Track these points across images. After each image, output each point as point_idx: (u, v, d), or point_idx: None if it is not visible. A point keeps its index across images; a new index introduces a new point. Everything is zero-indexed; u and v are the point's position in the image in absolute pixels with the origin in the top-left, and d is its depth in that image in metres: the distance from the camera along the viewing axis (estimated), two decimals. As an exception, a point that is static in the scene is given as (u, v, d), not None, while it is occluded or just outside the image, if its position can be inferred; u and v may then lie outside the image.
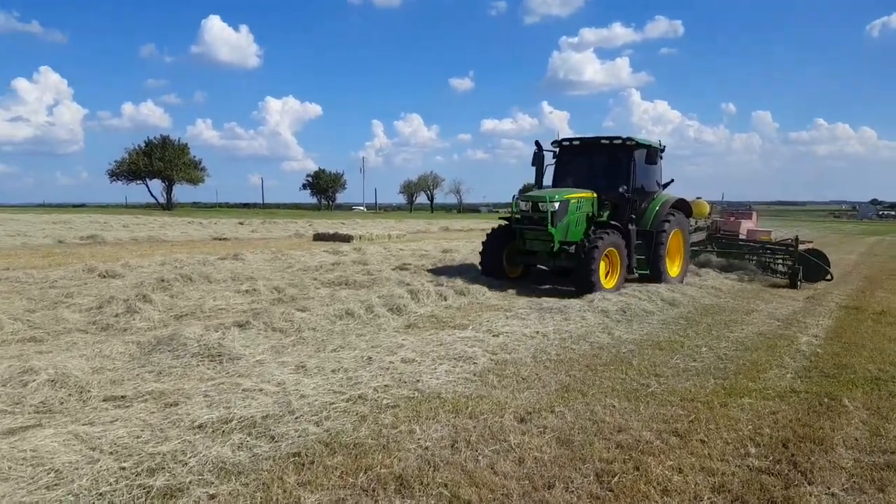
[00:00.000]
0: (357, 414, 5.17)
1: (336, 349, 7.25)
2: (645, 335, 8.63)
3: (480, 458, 4.42)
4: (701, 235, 18.08)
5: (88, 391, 5.53)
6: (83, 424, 4.70)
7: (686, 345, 8.11)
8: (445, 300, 10.55)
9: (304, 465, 4.23)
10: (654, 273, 12.88)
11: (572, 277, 11.79)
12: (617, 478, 4.16)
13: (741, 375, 6.74)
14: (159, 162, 79.73)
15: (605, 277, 11.79)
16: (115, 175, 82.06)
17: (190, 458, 4.17)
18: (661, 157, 13.97)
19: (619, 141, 12.72)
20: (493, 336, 8.03)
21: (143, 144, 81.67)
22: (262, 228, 34.69)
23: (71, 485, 3.76)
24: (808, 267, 14.57)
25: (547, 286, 12.86)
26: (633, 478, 4.17)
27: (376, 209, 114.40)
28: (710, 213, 20.95)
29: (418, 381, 6.05)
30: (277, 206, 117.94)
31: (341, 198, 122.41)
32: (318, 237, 27.49)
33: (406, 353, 6.94)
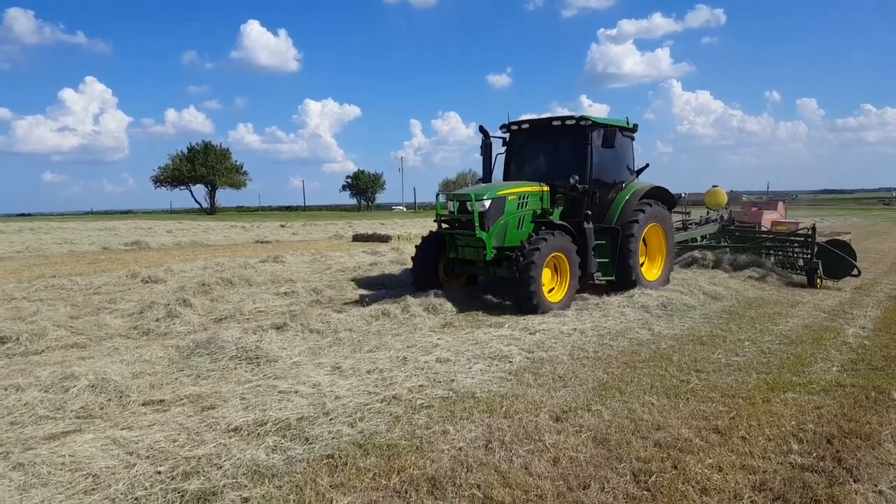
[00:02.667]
0: (391, 415, 5.16)
1: (372, 350, 7.27)
2: (686, 330, 8.44)
3: (514, 458, 4.37)
4: (713, 228, 16.34)
5: (128, 396, 5.65)
6: (121, 429, 4.79)
7: (728, 339, 7.91)
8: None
9: (337, 466, 4.24)
10: (621, 278, 10.86)
11: (509, 290, 9.77)
12: (654, 477, 4.06)
13: (785, 370, 6.54)
14: (202, 167, 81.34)
15: (552, 290, 9.87)
16: (159, 181, 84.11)
17: (225, 461, 4.22)
18: (633, 138, 11.95)
19: (573, 121, 10.65)
20: (530, 334, 7.94)
21: (185, 150, 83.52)
22: (303, 231, 35.10)
23: (107, 489, 3.83)
24: (830, 261, 12.66)
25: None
26: (670, 477, 4.07)
27: (415, 208, 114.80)
28: (728, 203, 18.96)
29: (453, 380, 6.02)
30: (319, 207, 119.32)
31: (381, 198, 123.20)
32: (358, 238, 27.72)
33: (441, 353, 6.92)
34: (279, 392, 5.59)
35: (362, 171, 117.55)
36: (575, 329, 8.20)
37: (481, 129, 11.62)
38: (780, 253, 14.23)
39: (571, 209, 10.70)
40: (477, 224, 9.63)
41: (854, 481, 4.03)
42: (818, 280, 12.32)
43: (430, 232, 11.17)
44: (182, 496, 3.78)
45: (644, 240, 11.42)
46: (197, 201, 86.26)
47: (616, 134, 10.66)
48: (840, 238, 14.15)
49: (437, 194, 10.83)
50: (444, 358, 6.75)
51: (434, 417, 5.11)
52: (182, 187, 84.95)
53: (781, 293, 11.53)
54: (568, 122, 10.70)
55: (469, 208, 9.74)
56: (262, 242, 27.31)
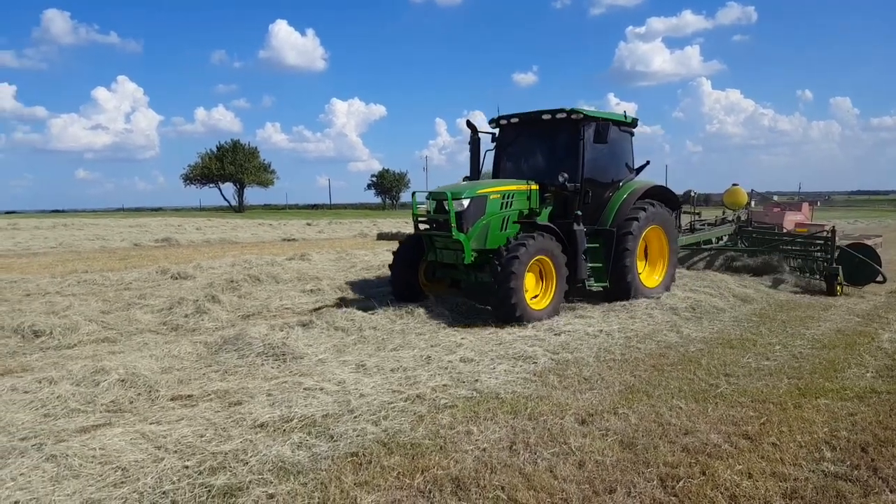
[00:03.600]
0: (415, 414, 5.16)
1: (396, 348, 7.28)
2: (715, 333, 8.32)
3: (539, 460, 4.33)
4: (728, 229, 15.40)
5: (157, 390, 5.73)
6: (150, 423, 4.86)
7: (759, 343, 7.77)
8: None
9: (361, 465, 4.24)
10: (617, 286, 10.02)
11: (490, 297, 8.84)
12: (682, 482, 4.00)
13: (817, 375, 6.41)
14: (231, 166, 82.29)
15: (536, 297, 9.08)
16: (189, 179, 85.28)
17: (251, 457, 4.25)
18: (632, 134, 11.10)
19: (563, 115, 9.85)
20: (555, 335, 7.89)
21: (215, 149, 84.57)
22: (329, 229, 35.34)
23: (136, 483, 3.88)
24: (853, 266, 11.81)
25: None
26: (699, 483, 4.00)
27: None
28: (748, 203, 17.50)
29: (476, 380, 6.00)
30: (344, 206, 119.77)
31: (405, 197, 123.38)
32: (382, 236, 27.83)
33: (465, 353, 6.90)
34: (305, 389, 5.62)
35: (387, 170, 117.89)
36: (601, 331, 8.12)
37: (468, 123, 10.95)
38: (798, 257, 13.30)
39: (563, 210, 9.92)
40: (454, 225, 8.88)
41: (890, 491, 3.92)
42: (838, 287, 11.43)
43: (409, 235, 10.37)
44: (209, 491, 3.81)
45: (645, 242, 10.72)
46: (226, 199, 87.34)
47: (609, 128, 9.76)
48: (865, 242, 13.07)
49: (413, 193, 9.87)
50: (468, 358, 6.74)
51: (458, 417, 5.09)
52: (211, 185, 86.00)
53: (815, 296, 11.30)
54: (558, 116, 9.92)
55: (446, 208, 8.96)
56: (288, 240, 27.58)
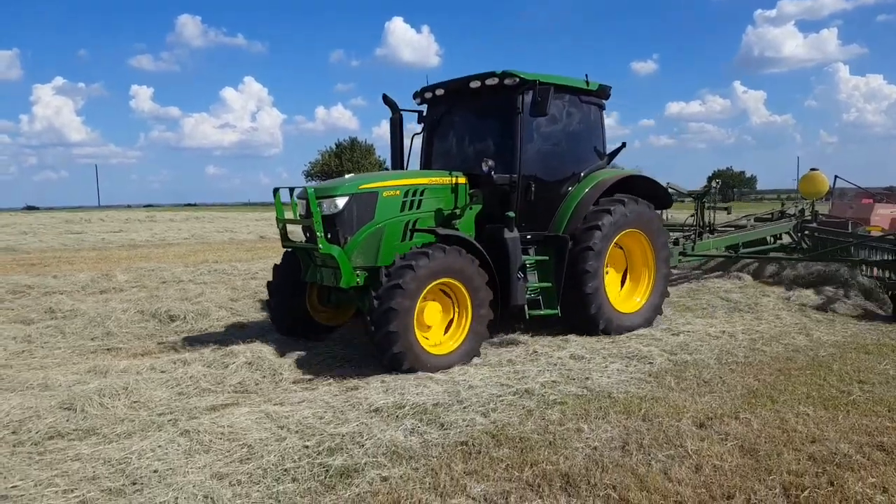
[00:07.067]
0: (523, 408, 5.16)
1: (503, 342, 7.31)
2: (849, 337, 7.73)
3: (653, 462, 4.21)
4: (786, 226, 12.41)
5: (280, 374, 6.10)
6: (274, 404, 5.16)
7: (899, 349, 7.16)
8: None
9: (471, 454, 4.30)
10: (573, 312, 7.45)
11: (366, 330, 6.22)
12: (807, 492, 3.76)
13: (969, 387, 5.82)
14: (348, 162, 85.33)
15: (445, 335, 6.61)
16: (309, 175, 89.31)
17: (366, 440, 4.42)
18: (602, 106, 8.41)
19: (494, 80, 7.31)
20: (673, 335, 7.62)
21: (333, 146, 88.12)
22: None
23: (260, 460, 4.14)
24: None
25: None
26: (826, 493, 3.75)
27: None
28: (829, 193, 14.21)
29: (587, 378, 5.91)
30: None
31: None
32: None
33: (574, 349, 6.82)
34: (416, 378, 5.78)
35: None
36: (724, 332, 7.75)
37: (385, 99, 8.45)
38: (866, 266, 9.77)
39: (501, 210, 7.21)
40: (319, 234, 6.33)
41: None
42: None
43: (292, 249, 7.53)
44: (327, 470, 4.00)
45: (625, 253, 8.40)
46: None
47: (549, 95, 6.96)
48: None
49: (275, 190, 7.01)
50: (578, 355, 6.64)
51: (567, 414, 5.03)
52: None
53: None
54: (489, 82, 7.37)
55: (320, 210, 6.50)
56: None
